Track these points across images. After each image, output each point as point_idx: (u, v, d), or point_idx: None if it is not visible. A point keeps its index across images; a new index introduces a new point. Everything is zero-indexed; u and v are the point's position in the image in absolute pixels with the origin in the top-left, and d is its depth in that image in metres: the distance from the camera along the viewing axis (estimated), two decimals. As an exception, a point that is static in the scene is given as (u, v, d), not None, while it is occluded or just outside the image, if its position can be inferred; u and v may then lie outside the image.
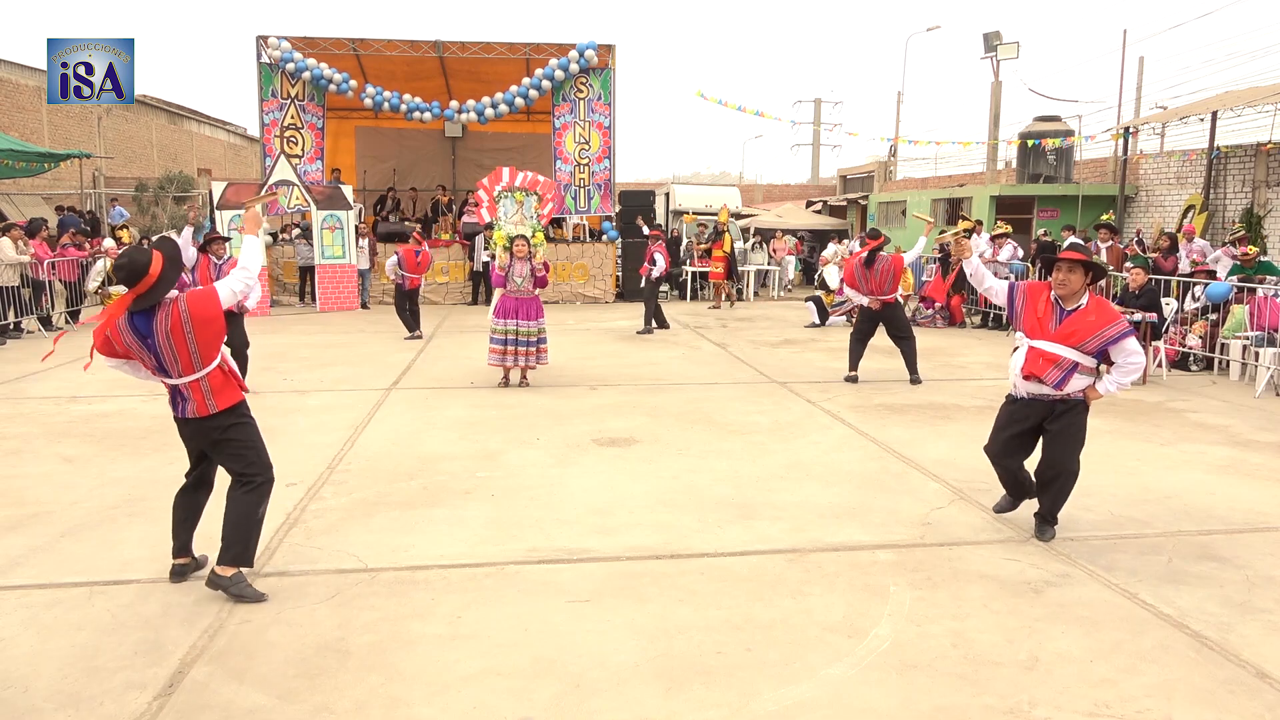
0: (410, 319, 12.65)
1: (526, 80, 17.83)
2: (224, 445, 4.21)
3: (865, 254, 9.50)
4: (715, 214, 22.94)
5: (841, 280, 16.10)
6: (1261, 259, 11.51)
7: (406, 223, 19.05)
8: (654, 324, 13.51)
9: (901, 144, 27.67)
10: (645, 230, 15.99)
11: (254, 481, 4.21)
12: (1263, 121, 16.09)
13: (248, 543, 4.16)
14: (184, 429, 4.26)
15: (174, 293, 4.08)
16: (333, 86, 17.60)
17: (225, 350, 4.26)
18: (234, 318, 9.13)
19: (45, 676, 3.46)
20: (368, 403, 8.30)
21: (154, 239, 4.21)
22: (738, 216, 24.16)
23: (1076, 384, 4.79)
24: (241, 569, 4.15)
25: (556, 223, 18.82)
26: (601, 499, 5.60)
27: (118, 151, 27.60)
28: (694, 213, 23.00)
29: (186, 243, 9.08)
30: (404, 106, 17.81)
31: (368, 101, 17.78)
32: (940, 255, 16.46)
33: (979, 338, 13.61)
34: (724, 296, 17.97)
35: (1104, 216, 15.16)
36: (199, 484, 4.40)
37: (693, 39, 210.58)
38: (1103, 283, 12.37)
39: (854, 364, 9.57)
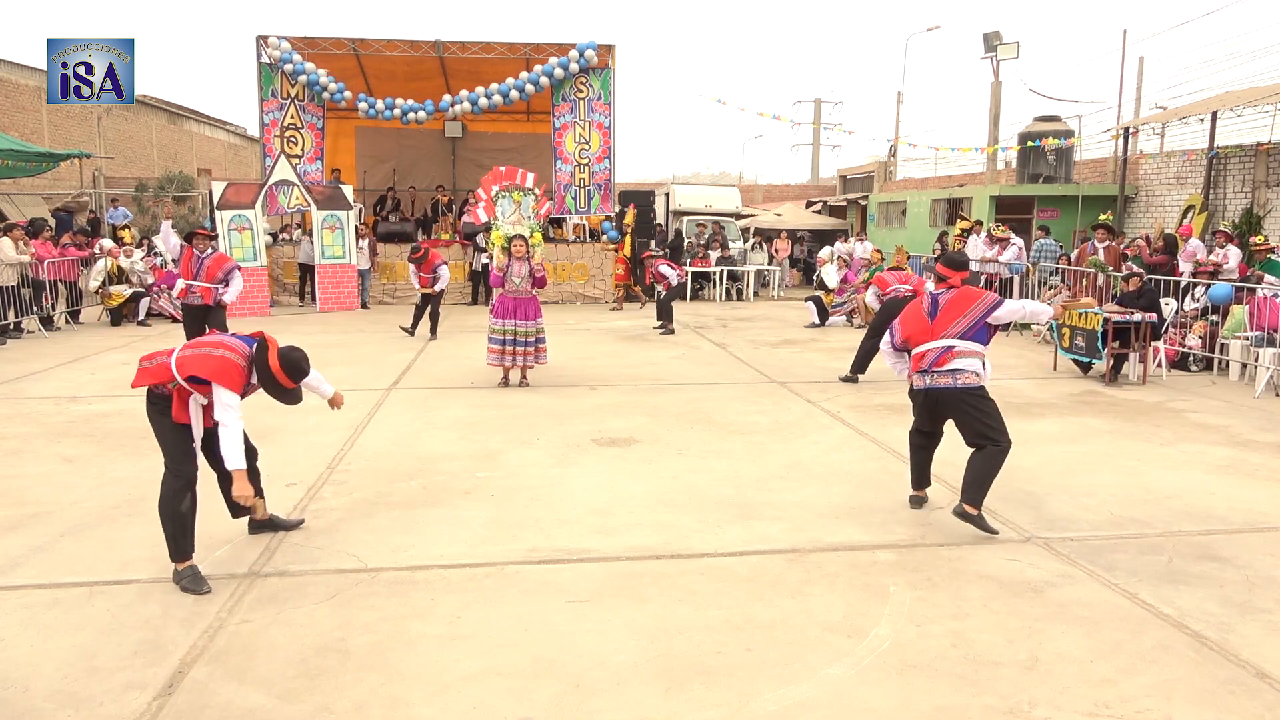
0: (417, 319, 12.80)
1: (524, 74, 17.82)
2: None
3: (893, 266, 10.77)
4: (715, 214, 22.99)
5: (842, 280, 16.17)
6: (1271, 256, 11.47)
7: (410, 223, 19.11)
8: (671, 323, 13.53)
9: (901, 145, 27.69)
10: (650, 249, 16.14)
11: (167, 483, 4.28)
12: (1263, 121, 16.08)
13: (170, 537, 4.23)
14: None
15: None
16: (328, 95, 17.59)
17: (181, 354, 4.28)
18: (215, 311, 9.22)
19: (45, 676, 3.46)
20: (368, 403, 8.30)
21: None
22: (737, 217, 24.15)
23: None
24: (191, 563, 4.25)
25: (556, 223, 18.83)
26: (601, 499, 5.60)
27: (118, 151, 27.59)
28: (694, 212, 22.99)
29: (167, 234, 9.73)
30: (398, 111, 17.82)
31: (363, 106, 17.80)
32: (938, 256, 16.46)
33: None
34: (622, 298, 17.55)
35: (1102, 216, 15.13)
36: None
37: (693, 39, 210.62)
38: (1102, 281, 12.40)
39: (861, 365, 9.54)
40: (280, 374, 4.28)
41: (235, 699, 3.31)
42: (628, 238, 17.54)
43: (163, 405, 4.29)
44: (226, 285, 9.30)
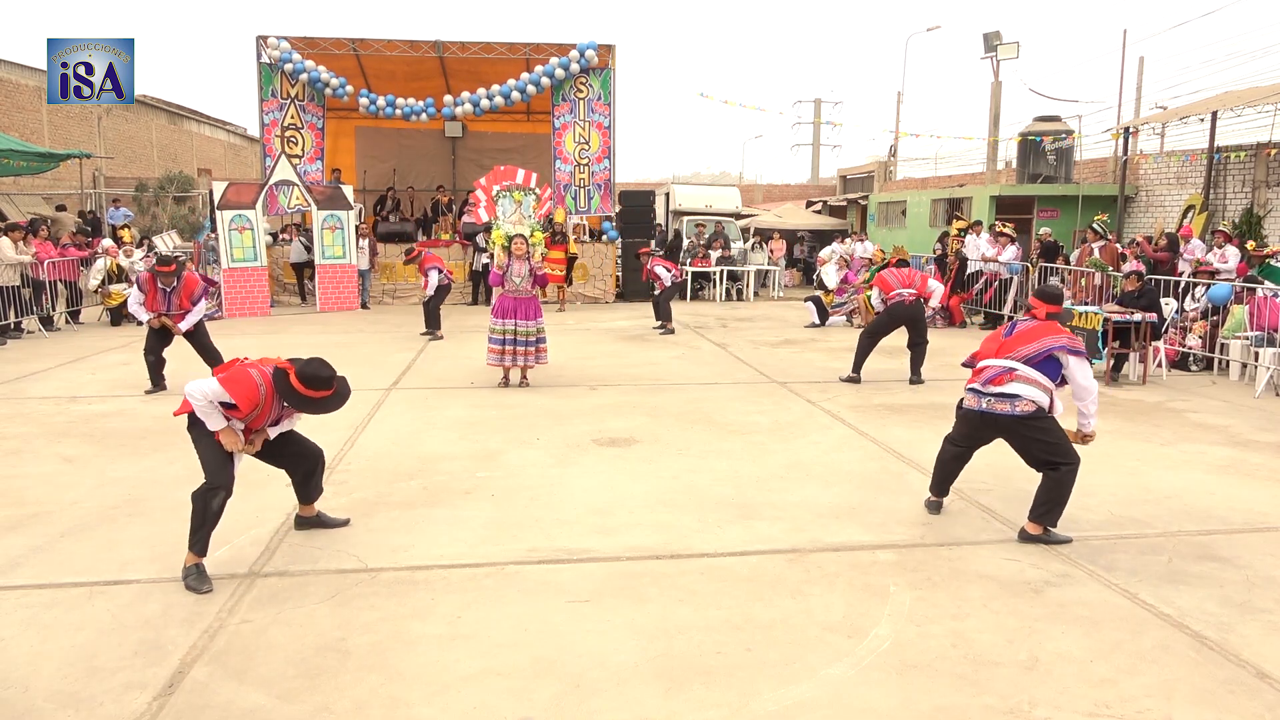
0: (433, 319, 12.85)
1: (525, 75, 17.83)
2: None
3: (896, 260, 10.71)
4: (715, 214, 23.00)
5: (842, 280, 16.16)
6: (1270, 262, 11.46)
7: (410, 223, 19.10)
8: (670, 322, 13.52)
9: (903, 138, 27.72)
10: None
11: (204, 484, 4.40)
12: (1263, 122, 16.07)
13: (192, 528, 4.33)
14: None
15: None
16: (329, 90, 17.64)
17: (201, 384, 4.41)
18: (196, 333, 8.97)
19: (45, 676, 3.46)
20: (368, 403, 8.29)
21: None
22: (737, 217, 24.15)
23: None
24: (200, 561, 4.32)
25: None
26: (601, 499, 5.60)
27: (118, 151, 27.59)
28: (694, 212, 22.97)
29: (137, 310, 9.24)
30: (399, 111, 17.83)
31: (364, 101, 17.82)
32: (938, 256, 16.45)
33: (979, 338, 13.58)
34: (561, 299, 17.17)
35: (1098, 218, 15.10)
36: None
37: (693, 39, 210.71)
38: (1099, 280, 12.40)
39: (859, 365, 9.54)
40: (301, 387, 4.39)
41: (235, 699, 3.31)
42: (570, 239, 17.36)
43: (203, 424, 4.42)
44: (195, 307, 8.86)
